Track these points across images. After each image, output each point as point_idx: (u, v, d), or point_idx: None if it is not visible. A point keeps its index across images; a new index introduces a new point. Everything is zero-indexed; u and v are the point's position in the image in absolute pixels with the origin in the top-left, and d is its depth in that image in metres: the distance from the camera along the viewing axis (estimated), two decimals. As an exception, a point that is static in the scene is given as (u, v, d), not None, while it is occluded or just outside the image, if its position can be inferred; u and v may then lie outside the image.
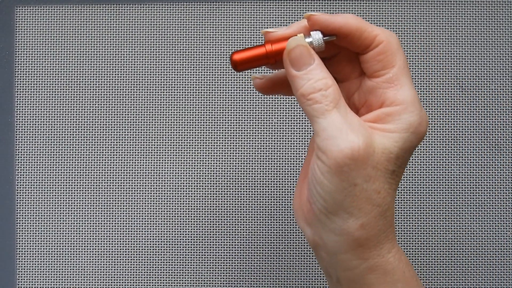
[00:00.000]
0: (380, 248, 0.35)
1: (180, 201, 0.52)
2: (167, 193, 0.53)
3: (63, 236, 0.53)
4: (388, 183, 0.34)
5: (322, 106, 0.33)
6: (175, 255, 0.52)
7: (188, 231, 0.52)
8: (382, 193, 0.34)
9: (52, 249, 0.53)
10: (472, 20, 0.53)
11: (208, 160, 0.53)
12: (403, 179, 0.52)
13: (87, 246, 0.53)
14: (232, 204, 0.53)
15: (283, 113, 0.53)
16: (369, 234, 0.34)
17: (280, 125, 0.52)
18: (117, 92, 0.53)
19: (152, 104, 0.53)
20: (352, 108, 0.37)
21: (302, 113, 0.52)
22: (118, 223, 0.53)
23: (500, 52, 0.53)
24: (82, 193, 0.53)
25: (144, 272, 0.52)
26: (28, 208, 0.53)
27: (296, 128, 0.53)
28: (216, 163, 0.53)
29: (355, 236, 0.34)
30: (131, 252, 0.52)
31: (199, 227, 0.52)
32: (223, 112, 0.53)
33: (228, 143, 0.53)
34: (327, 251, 0.35)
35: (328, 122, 0.33)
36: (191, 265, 0.52)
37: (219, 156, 0.53)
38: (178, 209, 0.52)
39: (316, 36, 0.35)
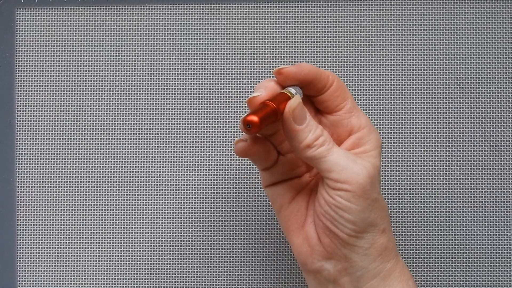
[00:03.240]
0: (395, 247, 0.40)
1: (181, 202, 0.52)
2: (168, 194, 0.52)
3: (63, 236, 0.52)
4: (379, 193, 0.39)
5: (326, 147, 0.38)
6: (175, 256, 0.52)
7: (189, 232, 0.52)
8: (384, 199, 0.40)
9: (52, 249, 0.52)
10: (472, 20, 0.53)
11: (209, 161, 0.53)
12: (404, 180, 0.52)
13: (88, 247, 0.52)
14: (232, 204, 0.52)
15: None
16: (389, 236, 0.39)
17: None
18: (118, 93, 0.53)
19: (153, 106, 0.53)
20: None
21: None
22: (119, 224, 0.52)
23: (500, 52, 0.53)
24: (83, 194, 0.53)
25: (145, 272, 0.52)
26: (28, 209, 0.53)
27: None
28: (217, 163, 0.53)
29: (380, 242, 0.38)
30: (132, 252, 0.52)
31: (200, 227, 0.52)
32: (223, 112, 0.53)
33: (228, 144, 0.53)
34: (353, 271, 0.39)
35: (337, 157, 0.38)
36: (191, 265, 0.52)
37: (220, 156, 0.53)
38: (179, 209, 0.52)
39: (297, 91, 0.39)
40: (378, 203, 0.38)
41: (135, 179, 0.53)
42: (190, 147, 0.53)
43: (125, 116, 0.53)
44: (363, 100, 0.53)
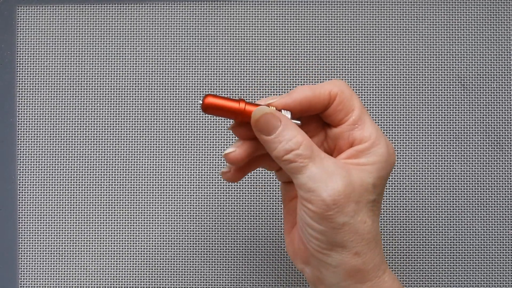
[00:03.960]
0: (377, 270, 0.38)
1: (182, 202, 0.52)
2: (169, 193, 0.53)
3: (65, 235, 0.53)
4: (371, 211, 0.37)
5: (297, 164, 0.36)
6: (177, 254, 0.52)
7: (189, 231, 0.52)
8: (368, 222, 0.37)
9: (54, 248, 0.53)
10: (473, 19, 0.53)
11: (209, 159, 0.53)
12: (405, 179, 0.52)
13: (89, 245, 0.53)
14: (232, 204, 0.53)
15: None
16: (364, 259, 0.37)
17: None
18: (119, 91, 0.53)
19: (154, 104, 0.53)
20: None
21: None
22: (120, 222, 0.53)
23: (502, 50, 0.52)
24: (84, 192, 0.53)
25: (146, 271, 0.52)
26: (30, 208, 0.53)
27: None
28: (217, 163, 0.53)
29: (351, 264, 0.36)
30: (133, 250, 0.52)
31: (200, 226, 0.52)
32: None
33: (228, 143, 0.53)
34: (328, 284, 0.38)
35: (306, 177, 0.36)
36: (191, 265, 0.52)
37: (220, 156, 0.53)
38: (180, 208, 0.52)
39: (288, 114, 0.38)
40: (350, 226, 0.36)
41: (136, 178, 0.53)
42: (191, 146, 0.53)
43: (126, 115, 0.53)
44: (364, 99, 0.52)
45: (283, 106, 0.37)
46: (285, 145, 0.36)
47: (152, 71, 0.53)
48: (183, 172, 0.53)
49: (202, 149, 0.53)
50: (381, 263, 0.38)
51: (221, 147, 0.53)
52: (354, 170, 0.37)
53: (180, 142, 0.53)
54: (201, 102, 0.37)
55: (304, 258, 0.39)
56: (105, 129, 0.53)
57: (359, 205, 0.36)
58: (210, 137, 0.53)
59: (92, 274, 0.52)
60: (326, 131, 0.40)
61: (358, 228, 0.36)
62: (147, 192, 0.53)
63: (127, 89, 0.53)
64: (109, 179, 0.53)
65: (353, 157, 0.38)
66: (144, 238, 0.52)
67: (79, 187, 0.53)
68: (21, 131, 0.53)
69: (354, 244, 0.36)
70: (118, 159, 0.53)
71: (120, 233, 0.53)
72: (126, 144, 0.53)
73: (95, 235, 0.53)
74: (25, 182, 0.53)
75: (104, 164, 0.53)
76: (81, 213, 0.53)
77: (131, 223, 0.53)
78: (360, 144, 0.38)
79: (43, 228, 0.53)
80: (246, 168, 0.40)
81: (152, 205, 0.53)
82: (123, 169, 0.53)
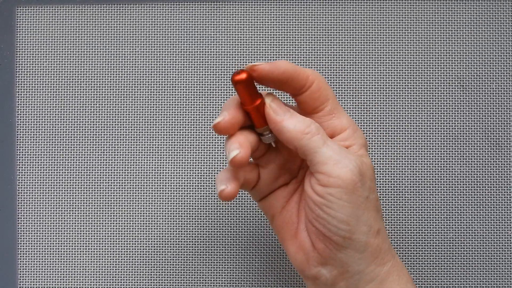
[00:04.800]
0: (391, 249, 0.39)
1: (181, 201, 0.52)
2: (168, 193, 0.52)
3: (64, 235, 0.53)
4: (376, 190, 0.39)
5: (320, 137, 0.37)
6: (176, 254, 0.52)
7: (190, 231, 0.52)
8: (378, 199, 0.39)
9: (53, 248, 0.53)
10: (472, 18, 0.53)
11: (209, 159, 0.53)
12: (405, 178, 0.52)
13: (89, 246, 0.52)
14: (231, 205, 0.52)
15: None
16: (383, 238, 0.38)
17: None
18: (119, 92, 0.53)
19: (154, 105, 0.53)
20: (288, 175, 0.42)
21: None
22: (119, 223, 0.52)
23: (501, 49, 0.53)
24: (84, 193, 0.53)
25: (146, 271, 0.52)
26: (29, 208, 0.53)
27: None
28: (216, 164, 0.53)
29: (376, 244, 0.37)
30: (133, 251, 0.52)
31: (200, 227, 0.52)
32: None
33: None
34: (350, 276, 0.38)
35: (331, 150, 0.37)
36: (191, 264, 0.52)
37: (219, 155, 0.53)
38: (179, 209, 0.52)
39: (268, 137, 0.39)
40: (371, 203, 0.37)
41: (136, 179, 0.53)
42: (191, 146, 0.53)
43: (126, 115, 0.53)
44: (364, 98, 0.52)
45: (268, 70, 0.37)
46: (303, 120, 0.37)
47: (152, 72, 0.53)
48: (183, 173, 0.53)
49: (202, 149, 0.53)
50: (390, 244, 0.39)
51: (221, 147, 0.53)
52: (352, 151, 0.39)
53: (180, 142, 0.53)
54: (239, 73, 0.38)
55: (321, 258, 0.38)
56: (105, 129, 0.53)
57: (373, 183, 0.38)
58: (210, 137, 0.53)
59: (92, 274, 0.52)
60: None
61: (375, 204, 0.38)
62: (147, 193, 0.53)
63: (127, 89, 0.53)
64: (109, 180, 0.53)
65: (344, 142, 0.39)
66: (144, 239, 0.52)
67: (78, 188, 0.53)
68: (20, 132, 0.53)
69: (375, 222, 0.37)
70: (118, 160, 0.53)
71: (120, 233, 0.52)
72: (126, 145, 0.53)
73: (94, 236, 0.52)
74: (24, 182, 0.53)
75: (103, 165, 0.53)
76: (81, 213, 0.53)
77: (131, 223, 0.52)
78: (341, 133, 0.39)
79: (43, 228, 0.53)
80: (239, 185, 0.39)
81: (152, 206, 0.52)
82: (123, 170, 0.53)
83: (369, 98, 0.53)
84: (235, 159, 0.37)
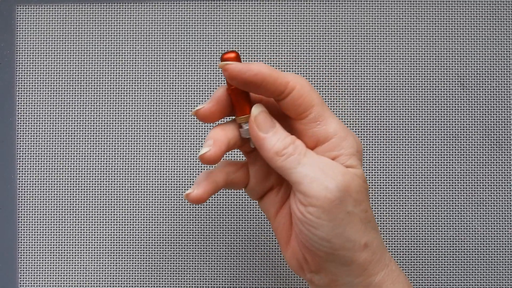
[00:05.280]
0: (384, 258, 0.38)
1: (182, 201, 0.52)
2: (168, 191, 0.52)
3: (64, 235, 0.53)
4: (368, 200, 0.37)
5: (296, 156, 0.36)
6: (176, 255, 0.52)
7: (190, 231, 0.52)
8: (368, 211, 0.37)
9: (54, 248, 0.53)
10: (472, 18, 0.53)
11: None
12: (405, 177, 0.52)
13: (89, 245, 0.52)
14: (232, 204, 0.52)
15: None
16: (372, 250, 0.37)
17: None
18: (119, 91, 0.53)
19: (154, 103, 0.53)
20: (276, 195, 0.41)
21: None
22: (120, 222, 0.53)
23: (501, 49, 0.53)
24: (84, 192, 0.53)
25: (145, 271, 0.52)
26: (30, 207, 0.53)
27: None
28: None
29: (363, 257, 0.36)
30: (133, 250, 0.52)
31: (200, 227, 0.52)
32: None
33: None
34: (341, 284, 0.37)
35: (307, 168, 0.36)
36: (192, 265, 0.52)
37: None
38: (180, 209, 0.52)
39: (245, 131, 0.38)
40: (355, 216, 0.36)
41: (137, 177, 0.53)
42: (190, 145, 0.53)
43: (126, 113, 0.53)
44: (364, 98, 0.52)
45: (239, 70, 0.36)
46: (283, 140, 0.36)
47: (152, 71, 0.53)
48: (182, 171, 0.53)
49: (200, 148, 0.53)
50: (385, 251, 0.38)
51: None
52: (339, 165, 0.37)
53: (180, 141, 0.53)
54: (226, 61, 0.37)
55: (313, 266, 0.38)
56: (104, 128, 0.53)
57: (360, 195, 0.36)
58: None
59: (92, 274, 0.52)
60: (288, 125, 0.39)
61: (361, 217, 0.36)
62: (148, 191, 0.53)
63: (127, 88, 0.53)
64: (109, 178, 0.53)
65: (328, 155, 0.37)
66: (144, 238, 0.52)
67: (79, 187, 0.53)
68: (20, 131, 0.53)
69: (361, 236, 0.36)
70: (118, 158, 0.53)
71: (120, 232, 0.53)
72: (126, 143, 0.53)
73: (95, 235, 0.52)
74: (24, 181, 0.53)
75: (104, 163, 0.53)
76: (81, 212, 0.53)
77: (131, 222, 0.52)
78: (326, 142, 0.37)
79: (43, 227, 0.53)
80: (212, 188, 0.39)
81: (153, 204, 0.52)
82: (123, 168, 0.53)
83: (370, 97, 0.52)
84: (203, 156, 0.37)
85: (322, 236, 0.35)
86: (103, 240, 0.52)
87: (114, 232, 0.53)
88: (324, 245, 0.36)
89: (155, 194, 0.53)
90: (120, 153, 0.53)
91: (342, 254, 0.36)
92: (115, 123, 0.53)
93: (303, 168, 0.36)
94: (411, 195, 0.52)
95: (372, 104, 0.52)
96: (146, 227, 0.52)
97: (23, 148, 0.53)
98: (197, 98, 0.53)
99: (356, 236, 0.36)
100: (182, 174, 0.53)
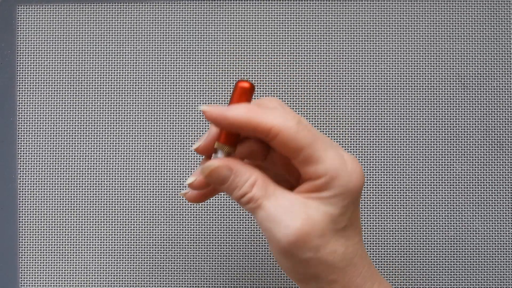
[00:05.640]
0: (362, 285, 0.36)
1: (184, 201, 0.52)
2: (170, 193, 0.52)
3: (65, 234, 0.53)
4: (343, 237, 0.36)
5: (252, 204, 0.35)
6: (178, 255, 0.52)
7: (191, 231, 0.52)
8: (339, 250, 0.36)
9: (54, 247, 0.53)
10: (474, 18, 0.53)
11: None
12: (405, 177, 0.52)
13: (90, 245, 0.53)
14: (232, 204, 0.52)
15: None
16: (343, 283, 0.36)
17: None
18: (120, 90, 0.53)
19: (155, 103, 0.53)
20: (286, 183, 0.39)
21: (297, 113, 0.52)
22: (121, 222, 0.53)
23: (502, 49, 0.52)
24: (84, 191, 0.53)
25: (146, 271, 0.52)
26: (30, 207, 0.53)
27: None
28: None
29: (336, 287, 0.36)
30: (134, 250, 0.52)
31: (201, 227, 0.52)
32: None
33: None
34: None
35: (262, 216, 0.35)
36: (192, 265, 0.52)
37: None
38: (181, 209, 0.52)
39: (219, 154, 0.37)
40: (317, 260, 0.35)
41: (137, 178, 0.53)
42: (190, 144, 0.53)
43: (127, 114, 0.53)
44: (364, 98, 0.52)
45: (215, 116, 0.35)
46: (239, 190, 0.36)
47: (152, 71, 0.53)
48: (183, 171, 0.53)
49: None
50: (366, 279, 0.37)
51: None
52: (315, 204, 0.35)
53: (180, 141, 0.53)
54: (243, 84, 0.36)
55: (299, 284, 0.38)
56: (105, 128, 0.53)
57: (325, 238, 0.35)
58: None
59: (92, 273, 0.52)
60: (273, 154, 0.39)
61: (327, 259, 0.35)
62: (148, 192, 0.53)
63: (127, 88, 0.53)
64: (109, 178, 0.53)
65: (313, 191, 0.35)
66: (144, 238, 0.52)
67: (79, 186, 0.53)
68: (21, 130, 0.53)
69: (326, 274, 0.35)
70: (118, 158, 0.53)
71: (121, 232, 0.53)
72: (127, 143, 0.53)
73: (95, 234, 0.52)
74: (25, 181, 0.53)
75: (104, 163, 0.53)
76: (82, 212, 0.53)
77: (132, 222, 0.52)
78: (317, 180, 0.35)
79: (44, 227, 0.53)
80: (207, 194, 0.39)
81: (153, 204, 0.53)
82: (123, 168, 0.53)
83: (370, 97, 0.52)
84: (190, 184, 0.37)
85: (285, 268, 0.36)
86: (103, 239, 0.53)
87: (114, 232, 0.53)
88: (290, 274, 0.37)
89: (156, 194, 0.53)
90: (121, 153, 0.53)
91: (309, 284, 0.36)
92: (116, 123, 0.53)
93: (258, 215, 0.35)
94: (411, 195, 0.52)
95: (373, 104, 0.52)
96: (147, 227, 0.52)
97: (23, 148, 0.53)
98: (197, 98, 0.53)
99: (322, 274, 0.35)
100: (183, 174, 0.53)
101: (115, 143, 0.53)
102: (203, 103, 0.53)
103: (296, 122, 0.35)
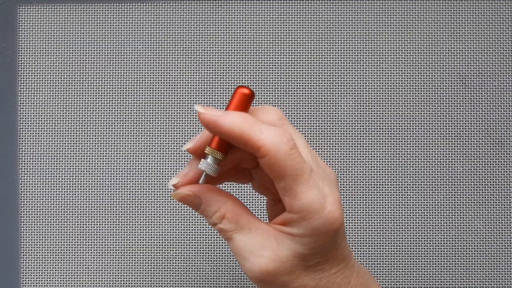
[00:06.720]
0: None
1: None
2: (170, 192, 0.53)
3: (67, 234, 0.53)
4: (316, 272, 0.35)
5: (223, 235, 0.35)
6: (178, 255, 0.52)
7: (191, 231, 0.52)
8: (311, 283, 0.35)
9: (56, 247, 0.53)
10: (474, 16, 0.53)
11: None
12: (405, 176, 0.52)
13: (91, 244, 0.53)
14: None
15: (282, 109, 0.52)
16: None
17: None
18: (120, 90, 0.53)
19: (155, 103, 0.53)
20: (275, 203, 0.38)
21: (298, 113, 0.52)
22: (122, 221, 0.53)
23: (503, 48, 0.52)
24: (86, 191, 0.53)
25: (146, 270, 0.52)
26: (32, 207, 0.53)
27: (297, 127, 0.52)
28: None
29: None
30: (135, 250, 0.53)
31: (201, 227, 0.52)
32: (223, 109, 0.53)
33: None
34: None
35: (232, 248, 0.35)
36: (192, 265, 0.52)
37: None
38: (181, 209, 0.52)
39: (204, 164, 0.35)
40: None
41: (138, 177, 0.53)
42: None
43: (127, 113, 0.53)
44: (365, 98, 0.52)
45: (207, 122, 0.33)
46: (211, 219, 0.36)
47: (152, 70, 0.53)
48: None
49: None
50: None
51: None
52: (286, 241, 0.34)
53: (181, 141, 0.53)
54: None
55: None
56: (106, 128, 0.53)
57: (293, 275, 0.34)
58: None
59: (94, 273, 0.53)
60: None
61: (310, 284, 0.35)
62: (149, 191, 0.53)
63: (128, 88, 0.53)
64: (111, 178, 0.53)
65: (287, 224, 0.34)
66: (146, 237, 0.52)
67: (80, 186, 0.53)
68: (22, 130, 0.53)
69: None
70: (120, 158, 0.53)
71: (122, 232, 0.53)
72: (128, 143, 0.53)
73: (97, 234, 0.53)
74: (26, 181, 0.53)
75: (106, 163, 0.53)
76: (83, 212, 0.53)
77: (133, 222, 0.53)
78: (291, 213, 0.34)
79: (45, 227, 0.53)
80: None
81: (154, 204, 0.53)
82: (125, 168, 0.53)
83: (371, 97, 0.52)
84: (173, 185, 0.36)
85: None
86: (105, 239, 0.53)
87: (116, 232, 0.53)
88: None
89: (157, 194, 0.53)
90: (122, 153, 0.53)
91: None
92: (117, 123, 0.53)
93: (231, 246, 0.35)
94: (412, 195, 0.52)
95: (374, 104, 0.52)
96: (148, 227, 0.53)
97: (25, 148, 0.53)
98: (197, 98, 0.53)
99: None
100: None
101: (116, 143, 0.53)
102: (202, 103, 0.53)
103: (289, 147, 0.33)
